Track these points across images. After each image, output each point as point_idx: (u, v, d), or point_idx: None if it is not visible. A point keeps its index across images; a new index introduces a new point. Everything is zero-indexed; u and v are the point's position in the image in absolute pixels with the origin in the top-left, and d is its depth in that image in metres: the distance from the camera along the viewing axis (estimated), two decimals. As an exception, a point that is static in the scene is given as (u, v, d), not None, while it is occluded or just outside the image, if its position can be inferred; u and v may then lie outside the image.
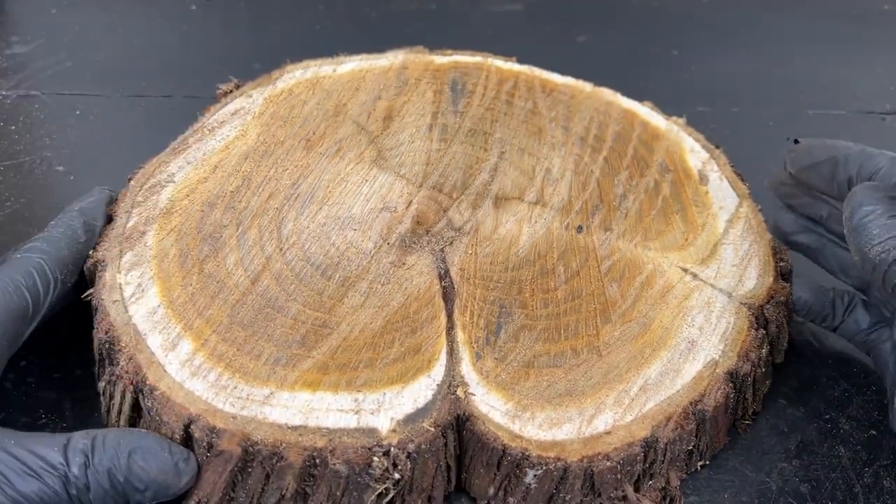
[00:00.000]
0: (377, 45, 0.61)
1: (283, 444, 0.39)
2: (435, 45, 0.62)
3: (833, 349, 0.52)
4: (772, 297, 0.49)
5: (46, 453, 0.37)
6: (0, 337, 0.41)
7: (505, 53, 0.62)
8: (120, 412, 0.42)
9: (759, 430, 0.47)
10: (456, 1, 0.79)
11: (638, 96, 0.61)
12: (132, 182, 0.50)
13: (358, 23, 0.76)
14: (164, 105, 0.66)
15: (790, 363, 0.50)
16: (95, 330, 0.44)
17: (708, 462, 0.45)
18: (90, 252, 0.47)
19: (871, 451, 0.46)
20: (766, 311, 0.48)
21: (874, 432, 0.47)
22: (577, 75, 0.62)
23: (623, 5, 0.81)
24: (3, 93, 0.66)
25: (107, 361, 0.43)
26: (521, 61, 0.63)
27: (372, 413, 0.40)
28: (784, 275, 0.51)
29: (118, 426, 0.42)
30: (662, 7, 0.81)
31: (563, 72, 0.62)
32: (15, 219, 0.55)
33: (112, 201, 0.49)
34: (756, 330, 0.47)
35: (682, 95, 0.71)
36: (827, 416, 0.48)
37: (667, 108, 0.60)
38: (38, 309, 0.43)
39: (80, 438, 0.38)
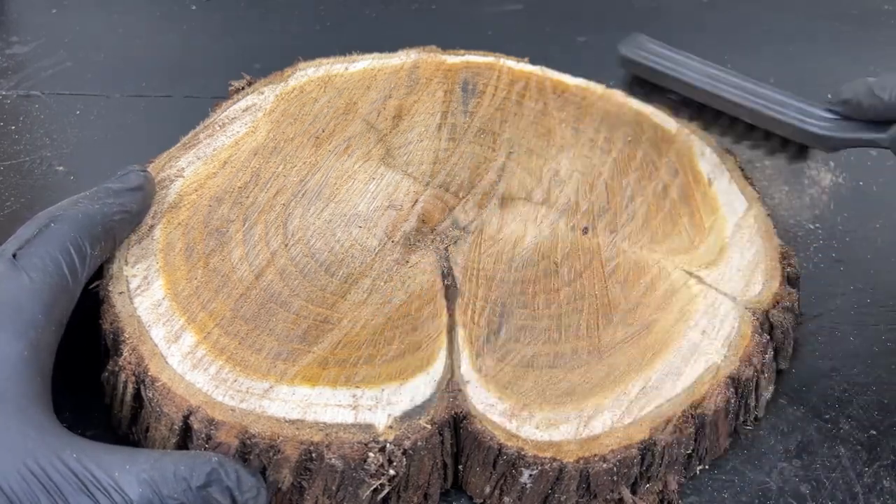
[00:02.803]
0: (377, 46, 0.62)
1: (281, 438, 0.39)
2: (435, 45, 0.62)
3: (833, 349, 0.51)
4: (778, 303, 0.48)
5: (102, 476, 0.35)
6: (48, 320, 0.40)
7: (505, 53, 0.62)
8: (122, 403, 0.42)
9: (759, 431, 0.47)
10: (456, 1, 0.79)
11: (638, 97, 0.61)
12: (142, 176, 0.51)
13: (358, 23, 0.76)
14: (164, 105, 0.67)
15: (790, 363, 0.50)
16: (101, 320, 0.44)
17: (707, 466, 0.45)
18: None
19: (871, 451, 0.46)
20: (771, 316, 0.48)
21: (874, 432, 0.47)
22: (576, 75, 0.62)
23: (623, 5, 0.81)
24: (3, 93, 0.66)
25: (111, 352, 0.43)
26: (523, 62, 0.63)
27: (369, 409, 0.40)
28: (791, 280, 0.51)
29: (121, 417, 0.43)
30: (662, 7, 0.81)
31: (562, 72, 0.62)
32: (15, 219, 0.56)
33: (148, 182, 0.48)
34: (760, 335, 0.47)
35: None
36: (827, 416, 0.48)
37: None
38: (77, 287, 0.42)
39: (143, 463, 0.36)
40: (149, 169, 0.50)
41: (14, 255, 0.40)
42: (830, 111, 0.51)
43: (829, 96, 0.50)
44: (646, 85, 0.57)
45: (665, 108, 0.59)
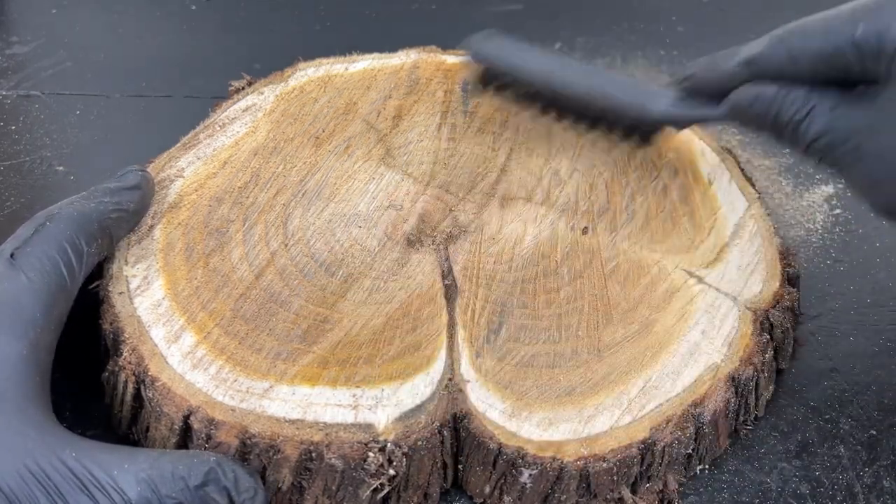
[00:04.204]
0: (377, 46, 0.61)
1: (280, 438, 0.39)
2: (435, 45, 0.62)
3: (834, 349, 0.51)
4: (778, 302, 0.48)
5: (101, 476, 0.35)
6: (47, 319, 0.40)
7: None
8: (122, 402, 0.43)
9: (759, 430, 0.47)
10: (456, 1, 0.79)
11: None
12: (142, 176, 0.51)
13: (358, 23, 0.76)
14: (164, 105, 0.67)
15: (790, 363, 0.50)
16: (101, 320, 0.44)
17: (707, 466, 0.45)
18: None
19: (871, 451, 0.46)
20: (771, 315, 0.48)
21: (874, 432, 0.47)
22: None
23: (623, 5, 0.81)
24: (3, 93, 0.66)
25: (111, 352, 0.43)
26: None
27: (369, 409, 0.41)
28: (791, 280, 0.51)
29: (121, 417, 0.43)
30: (662, 7, 0.81)
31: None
32: (15, 219, 0.55)
33: (146, 182, 0.48)
34: (760, 335, 0.47)
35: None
36: (827, 416, 0.48)
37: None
38: (75, 285, 0.42)
39: (142, 462, 0.36)
40: (148, 169, 0.50)
41: (12, 255, 0.40)
42: (674, 90, 0.49)
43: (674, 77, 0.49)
44: (495, 81, 0.55)
45: (513, 104, 0.56)
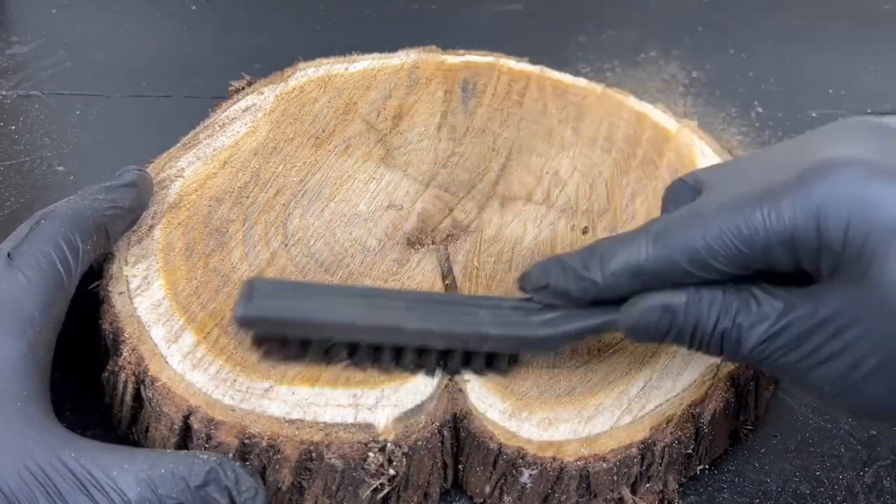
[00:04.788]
0: (377, 46, 0.62)
1: (280, 438, 0.39)
2: (435, 45, 0.62)
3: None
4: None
5: (101, 476, 0.35)
6: (45, 317, 0.40)
7: (505, 53, 0.62)
8: (122, 402, 0.43)
9: (759, 430, 0.47)
10: (456, 1, 0.79)
11: (637, 97, 0.61)
12: (142, 176, 0.51)
13: (358, 23, 0.77)
14: (164, 105, 0.67)
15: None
16: (101, 320, 0.44)
17: (707, 466, 0.45)
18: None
19: (871, 451, 0.46)
20: (771, 315, 0.48)
21: (874, 432, 0.47)
22: (577, 75, 0.62)
23: (623, 5, 0.81)
24: (3, 93, 0.66)
25: (111, 352, 0.43)
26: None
27: (369, 409, 0.40)
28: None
29: (121, 417, 0.43)
30: (662, 7, 0.81)
31: (562, 72, 0.62)
32: (15, 219, 0.55)
33: (143, 180, 0.47)
34: (760, 334, 0.47)
35: (683, 96, 0.71)
36: (827, 416, 0.48)
37: (667, 109, 0.60)
38: (72, 282, 0.42)
39: (142, 463, 0.36)
40: (148, 169, 0.50)
41: (8, 255, 0.40)
42: (528, 305, 0.40)
43: (519, 285, 0.41)
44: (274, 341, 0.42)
45: (288, 357, 0.42)
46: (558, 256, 0.39)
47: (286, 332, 0.41)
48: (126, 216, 0.46)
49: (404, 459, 0.40)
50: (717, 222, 0.34)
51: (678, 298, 0.36)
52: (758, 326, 0.35)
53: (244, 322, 0.40)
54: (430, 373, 0.41)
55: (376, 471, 0.39)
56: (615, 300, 0.38)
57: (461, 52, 0.63)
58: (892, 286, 0.32)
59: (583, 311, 0.39)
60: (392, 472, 0.39)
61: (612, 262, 0.37)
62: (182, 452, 0.38)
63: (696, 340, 0.36)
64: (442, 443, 0.41)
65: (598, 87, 0.61)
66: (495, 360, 0.42)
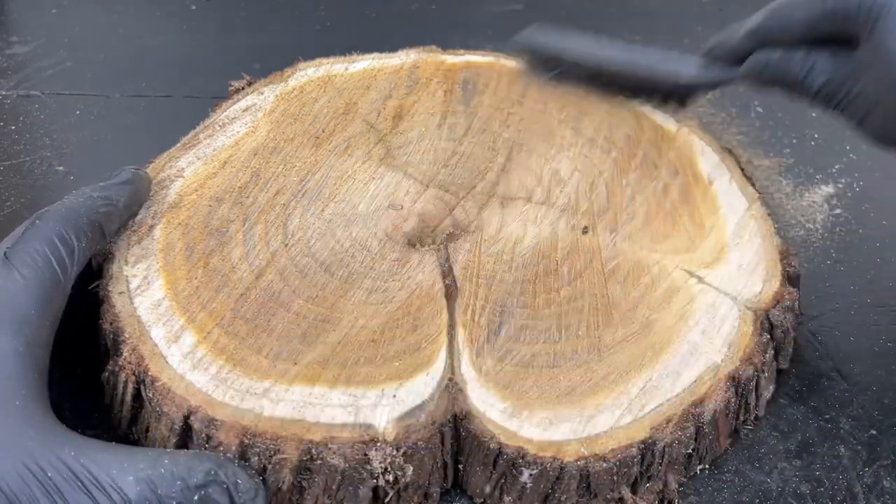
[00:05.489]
0: (377, 46, 0.62)
1: (280, 438, 0.39)
2: (435, 45, 0.62)
3: (834, 349, 0.52)
4: (778, 302, 0.48)
5: (101, 475, 0.35)
6: (42, 315, 0.40)
7: (505, 53, 0.62)
8: (122, 403, 0.43)
9: (760, 430, 0.47)
10: (456, 1, 0.80)
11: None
12: (142, 176, 0.51)
13: (358, 23, 0.76)
14: (164, 105, 0.67)
15: (790, 363, 0.50)
16: (101, 320, 0.44)
17: (707, 466, 0.45)
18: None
19: (871, 451, 0.46)
20: (771, 316, 0.48)
21: (874, 432, 0.47)
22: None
23: (623, 5, 0.81)
24: (3, 93, 0.66)
25: (111, 352, 0.43)
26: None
27: (369, 409, 0.40)
28: (791, 280, 0.50)
29: (121, 417, 0.43)
30: (662, 7, 0.81)
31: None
32: (15, 219, 0.55)
33: (140, 179, 0.48)
34: (760, 335, 0.47)
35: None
36: (827, 416, 0.48)
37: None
38: (68, 280, 0.42)
39: (141, 462, 0.36)
40: (147, 169, 0.50)
41: (5, 254, 0.40)
42: (699, 59, 0.54)
43: (703, 52, 0.54)
44: (541, 68, 0.58)
45: (556, 85, 0.58)
46: (727, 27, 0.53)
47: (555, 62, 0.57)
48: (121, 213, 0.46)
49: (404, 459, 0.40)
50: (799, 3, 0.48)
51: (775, 54, 0.49)
52: (821, 76, 0.47)
53: (528, 46, 0.58)
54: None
55: (376, 471, 0.39)
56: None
57: (461, 52, 0.63)
58: (882, 43, 0.43)
59: (723, 65, 0.52)
60: (392, 472, 0.39)
61: (740, 30, 0.51)
62: (182, 452, 0.38)
63: (786, 83, 0.49)
64: (442, 443, 0.41)
65: (598, 87, 0.61)
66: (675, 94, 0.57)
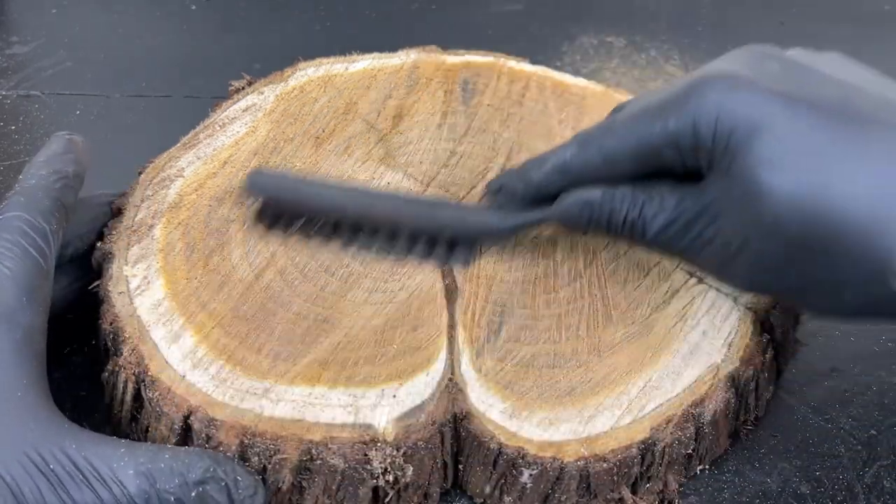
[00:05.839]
0: (377, 46, 0.62)
1: (280, 438, 0.39)
2: (435, 45, 0.62)
3: (834, 349, 0.52)
4: (778, 303, 0.48)
5: (102, 467, 0.35)
6: (34, 303, 0.40)
7: (505, 53, 0.62)
8: (122, 402, 0.43)
9: (760, 431, 0.47)
10: (456, 1, 0.80)
11: (638, 97, 0.61)
12: (142, 176, 0.51)
13: (358, 23, 0.77)
14: (164, 105, 0.67)
15: (790, 363, 0.50)
16: (101, 320, 0.44)
17: (707, 466, 0.45)
18: (98, 242, 0.47)
19: (871, 451, 0.46)
20: (771, 316, 0.48)
21: (874, 432, 0.47)
22: (577, 75, 0.62)
23: (623, 5, 0.81)
24: (3, 93, 0.66)
25: (111, 352, 0.43)
26: (524, 62, 0.63)
27: (369, 409, 0.40)
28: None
29: (121, 416, 0.43)
30: (663, 7, 0.81)
31: (562, 72, 0.62)
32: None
33: (74, 144, 0.46)
34: (761, 335, 0.47)
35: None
36: (827, 416, 0.48)
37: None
38: (49, 264, 0.42)
39: (141, 456, 0.36)
40: (147, 169, 0.50)
41: None
42: (488, 204, 0.48)
43: (483, 192, 0.48)
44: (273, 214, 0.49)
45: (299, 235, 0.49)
46: (515, 166, 0.47)
47: (291, 207, 0.48)
48: (74, 184, 0.45)
49: (404, 460, 0.40)
50: (624, 130, 0.41)
51: (595, 193, 0.42)
52: (659, 217, 0.41)
53: (254, 186, 0.48)
54: (421, 257, 0.48)
55: (376, 471, 0.39)
56: (553, 198, 0.44)
57: (461, 52, 0.63)
58: (747, 177, 0.37)
59: (529, 209, 0.46)
60: (392, 472, 0.39)
61: (546, 164, 0.44)
62: (182, 448, 0.38)
63: (612, 228, 0.43)
64: (442, 443, 0.41)
65: (598, 87, 0.61)
66: (459, 247, 0.48)
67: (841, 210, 0.36)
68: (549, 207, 0.44)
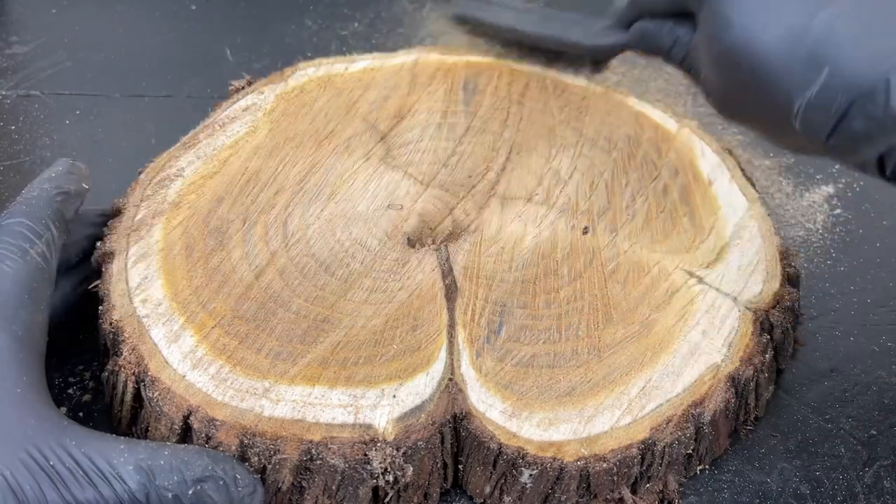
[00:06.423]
0: (377, 45, 0.62)
1: (280, 438, 0.39)
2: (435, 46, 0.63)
3: (833, 349, 0.52)
4: (778, 303, 0.48)
5: (102, 464, 0.36)
6: (35, 301, 0.40)
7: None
8: (122, 402, 0.43)
9: (760, 431, 0.47)
10: (456, 1, 0.80)
11: (637, 97, 0.61)
12: (142, 176, 0.51)
13: (358, 23, 0.77)
14: (163, 105, 0.67)
15: (790, 363, 0.50)
16: (101, 320, 0.44)
17: (707, 466, 0.45)
18: (98, 244, 0.47)
19: (871, 451, 0.46)
20: (771, 316, 0.48)
21: (874, 432, 0.47)
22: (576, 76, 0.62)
23: (623, 5, 0.81)
24: (3, 93, 0.66)
25: (111, 352, 0.43)
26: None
27: (369, 409, 0.40)
28: (791, 280, 0.50)
29: (121, 416, 0.43)
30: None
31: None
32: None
33: (77, 168, 0.48)
34: (760, 335, 0.47)
35: (683, 96, 0.71)
36: (827, 416, 0.48)
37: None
38: (51, 269, 0.42)
39: (141, 452, 0.36)
40: (147, 169, 0.50)
41: None
42: (605, 23, 0.57)
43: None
44: (469, 33, 0.63)
45: (479, 44, 0.63)
46: None
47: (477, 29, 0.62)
48: (74, 200, 0.46)
49: (404, 460, 0.40)
50: None
51: (649, 24, 0.51)
52: (682, 49, 0.49)
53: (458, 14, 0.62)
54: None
55: (376, 471, 0.39)
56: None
57: (461, 52, 0.63)
58: (714, 10, 0.43)
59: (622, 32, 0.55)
60: (392, 472, 0.39)
61: None
62: (182, 446, 0.38)
63: (659, 52, 0.51)
64: (442, 443, 0.41)
65: (598, 87, 0.61)
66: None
67: (763, 48, 0.41)
68: (626, 33, 0.54)
